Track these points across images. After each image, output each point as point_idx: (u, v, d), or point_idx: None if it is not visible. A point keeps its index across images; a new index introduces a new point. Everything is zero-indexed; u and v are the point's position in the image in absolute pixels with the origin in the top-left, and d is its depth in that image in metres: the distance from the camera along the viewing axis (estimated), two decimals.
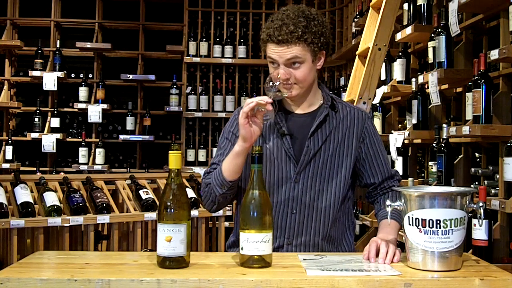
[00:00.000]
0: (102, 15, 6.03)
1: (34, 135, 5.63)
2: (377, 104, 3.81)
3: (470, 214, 1.65)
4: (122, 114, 5.93)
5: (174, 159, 1.63)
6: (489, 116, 2.57)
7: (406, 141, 3.53)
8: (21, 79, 5.87)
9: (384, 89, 3.60)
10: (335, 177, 1.94)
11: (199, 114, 5.85)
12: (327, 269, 1.57)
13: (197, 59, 5.87)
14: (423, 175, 3.61)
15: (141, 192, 3.50)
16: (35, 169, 5.58)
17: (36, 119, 5.70)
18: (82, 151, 5.72)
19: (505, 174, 2.40)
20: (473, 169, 2.91)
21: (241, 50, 5.90)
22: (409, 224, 1.60)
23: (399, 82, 3.58)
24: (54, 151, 5.65)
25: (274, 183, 1.93)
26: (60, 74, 5.64)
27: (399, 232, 1.88)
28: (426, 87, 3.26)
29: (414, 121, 3.34)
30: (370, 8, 3.48)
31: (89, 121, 5.69)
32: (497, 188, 2.62)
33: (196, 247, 3.57)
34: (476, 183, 2.97)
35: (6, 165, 5.50)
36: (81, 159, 5.71)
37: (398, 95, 3.79)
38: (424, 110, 3.32)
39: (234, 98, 5.89)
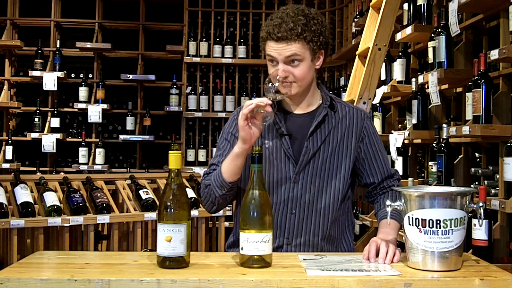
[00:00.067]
0: (102, 15, 6.03)
1: (34, 135, 5.63)
2: (377, 104, 3.81)
3: (470, 214, 1.65)
4: (122, 114, 5.94)
5: (174, 159, 1.63)
6: (489, 116, 2.57)
7: (406, 141, 3.53)
8: (21, 79, 5.87)
9: (384, 89, 3.60)
10: (334, 177, 1.94)
11: (199, 114, 5.85)
12: (327, 269, 1.57)
13: (197, 59, 5.87)
14: (423, 175, 3.61)
15: (141, 192, 3.50)
16: (35, 169, 5.58)
17: (36, 119, 5.70)
18: (82, 151, 5.72)
19: (505, 174, 2.40)
20: (473, 169, 2.91)
21: (241, 50, 5.90)
22: (409, 224, 1.60)
23: (399, 82, 3.58)
24: (54, 151, 5.65)
25: (273, 183, 1.93)
26: (60, 74, 5.65)
27: (399, 232, 1.88)
28: (426, 87, 3.26)
29: (414, 121, 3.34)
30: (370, 8, 3.48)
31: (89, 121, 5.69)
32: (497, 188, 2.62)
33: (196, 247, 3.57)
34: (476, 183, 2.97)
35: (6, 165, 5.50)
36: (81, 159, 5.71)
37: (398, 95, 3.79)
38: (424, 110, 3.32)
39: (234, 98, 5.89)
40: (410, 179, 3.37)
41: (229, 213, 3.70)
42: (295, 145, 1.94)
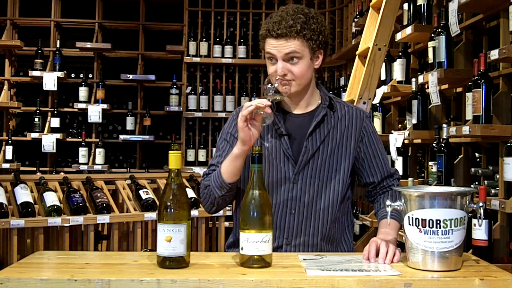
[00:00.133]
0: (102, 15, 6.03)
1: (34, 135, 5.63)
2: (377, 104, 3.81)
3: (470, 214, 1.65)
4: (122, 114, 5.94)
5: (174, 159, 1.63)
6: (489, 116, 2.57)
7: (406, 141, 3.53)
8: (21, 79, 5.87)
9: (384, 89, 3.60)
10: (334, 177, 1.94)
11: (199, 114, 5.85)
12: (327, 269, 1.57)
13: (197, 59, 5.87)
14: (423, 175, 3.61)
15: (141, 192, 3.50)
16: (35, 169, 5.58)
17: (36, 119, 5.70)
18: (82, 151, 5.72)
19: (505, 174, 2.40)
20: (473, 169, 2.91)
21: (241, 50, 5.90)
22: (409, 224, 1.60)
23: (399, 82, 3.58)
24: (54, 151, 5.65)
25: (272, 184, 1.93)
26: (60, 74, 5.64)
27: (399, 232, 1.88)
28: (426, 87, 3.26)
29: (414, 121, 3.34)
30: (370, 8, 3.48)
31: (89, 121, 5.69)
32: (497, 188, 2.62)
33: (196, 247, 3.57)
34: (476, 183, 2.97)
35: (6, 165, 5.50)
36: (81, 159, 5.71)
37: (398, 95, 3.79)
38: (424, 110, 3.32)
39: (234, 98, 5.89)
40: (410, 179, 3.37)
41: (229, 213, 3.70)
42: (295, 145, 1.94)
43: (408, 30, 3.28)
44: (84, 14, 6.02)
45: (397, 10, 3.18)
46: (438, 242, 1.56)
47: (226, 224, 4.23)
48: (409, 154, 3.62)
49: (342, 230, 2.01)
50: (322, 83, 5.76)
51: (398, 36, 3.45)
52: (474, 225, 2.45)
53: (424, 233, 1.57)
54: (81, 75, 5.83)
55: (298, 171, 1.92)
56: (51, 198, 3.19)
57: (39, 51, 5.74)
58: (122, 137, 5.75)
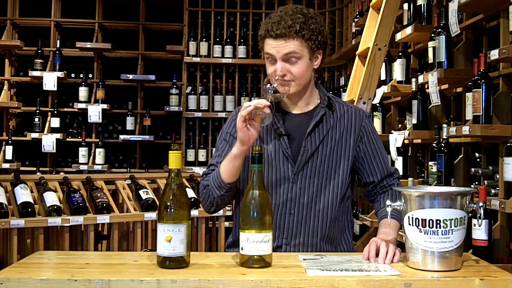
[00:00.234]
0: (102, 15, 6.03)
1: (34, 135, 5.63)
2: (377, 104, 3.81)
3: (470, 214, 1.65)
4: (122, 114, 5.93)
5: (174, 159, 1.63)
6: (489, 116, 2.57)
7: (406, 141, 3.53)
8: (21, 79, 5.87)
9: (384, 89, 3.60)
10: (333, 177, 1.94)
11: (199, 114, 5.85)
12: (327, 269, 1.57)
13: (197, 59, 5.87)
14: (423, 175, 3.61)
15: (141, 192, 3.50)
16: (35, 169, 5.58)
17: (36, 119, 5.70)
18: (82, 151, 5.72)
19: (505, 174, 2.39)
20: (473, 169, 2.91)
21: (241, 50, 5.90)
22: (409, 224, 1.60)
23: (399, 82, 3.58)
24: (54, 151, 5.65)
25: (272, 184, 1.93)
26: (60, 74, 5.64)
27: (399, 232, 1.88)
28: (426, 87, 3.26)
29: (414, 121, 3.34)
30: (370, 8, 3.48)
31: (89, 121, 5.69)
32: (497, 188, 2.62)
33: (196, 247, 3.57)
34: (476, 183, 2.97)
35: (6, 165, 5.50)
36: (81, 159, 5.71)
37: (398, 95, 3.79)
38: (424, 110, 3.32)
39: (234, 98, 5.90)
40: (410, 179, 3.37)
41: (229, 213, 3.70)
42: (294, 145, 1.94)
43: (408, 30, 3.28)
44: (84, 14, 6.02)
45: (397, 10, 3.18)
46: (438, 242, 1.56)
47: (226, 224, 4.23)
48: (409, 154, 3.62)
49: (341, 230, 2.01)
50: (322, 83, 5.76)
51: (398, 36, 3.45)
52: (474, 225, 2.45)
53: (424, 233, 1.57)
54: (81, 75, 5.83)
55: (297, 171, 1.92)
56: (51, 198, 3.19)
57: (39, 51, 5.74)
58: (122, 137, 5.75)
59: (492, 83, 2.59)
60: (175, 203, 1.59)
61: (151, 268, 1.58)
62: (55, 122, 5.74)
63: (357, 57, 3.47)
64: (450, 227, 1.55)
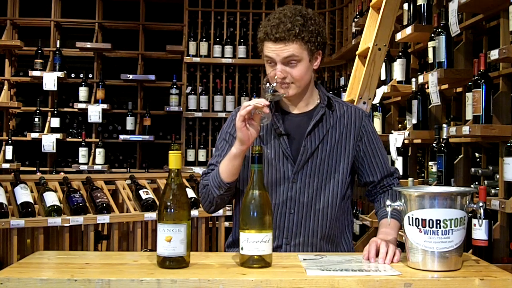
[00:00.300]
0: (102, 15, 6.03)
1: (34, 135, 5.63)
2: (377, 104, 3.81)
3: (470, 214, 1.65)
4: (122, 114, 5.93)
5: (174, 159, 1.63)
6: (489, 116, 2.57)
7: (406, 141, 3.53)
8: (21, 79, 5.87)
9: (384, 89, 3.60)
10: (333, 177, 1.94)
11: (199, 114, 5.85)
12: (327, 269, 1.57)
13: (197, 59, 5.87)
14: (423, 175, 3.61)
15: (141, 192, 3.50)
16: (35, 169, 5.58)
17: (36, 119, 5.70)
18: (82, 151, 5.72)
19: (505, 174, 2.39)
20: (473, 169, 2.91)
21: (241, 50, 5.90)
22: (409, 224, 1.60)
23: (399, 82, 3.58)
24: (54, 151, 5.65)
25: (271, 183, 1.93)
26: (60, 74, 5.64)
27: (399, 232, 1.88)
28: (426, 87, 3.26)
29: (414, 121, 3.34)
30: (370, 8, 3.48)
31: (89, 121, 5.69)
32: (497, 188, 2.62)
33: (196, 247, 3.57)
34: (476, 183, 2.97)
35: (6, 165, 5.50)
36: (81, 159, 5.71)
37: (398, 95, 3.79)
38: (424, 110, 3.32)
39: (234, 98, 5.90)
40: (410, 179, 3.37)
41: (229, 213, 3.70)
42: (293, 145, 1.94)
43: (408, 30, 3.28)
44: (84, 14, 6.02)
45: (397, 10, 3.18)
46: (438, 242, 1.56)
47: (226, 224, 4.23)
48: (409, 154, 3.62)
49: (342, 229, 2.01)
50: (322, 83, 5.76)
51: (398, 36, 3.45)
52: (474, 225, 2.45)
53: (424, 233, 1.57)
54: (81, 75, 5.83)
55: (297, 170, 1.92)
56: (51, 198, 3.19)
57: (39, 51, 5.74)
58: (122, 137, 5.75)
59: (492, 83, 2.59)
60: (175, 203, 1.59)
61: (151, 268, 1.58)
62: (55, 122, 5.74)
63: (357, 57, 3.47)
64: (450, 227, 1.55)
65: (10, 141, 5.60)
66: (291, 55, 1.86)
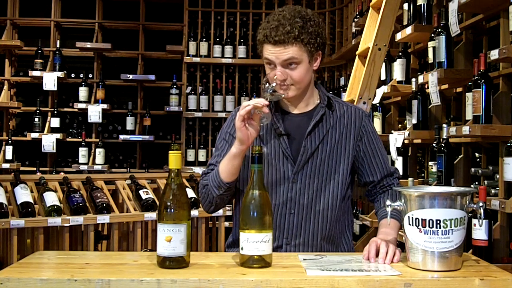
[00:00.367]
0: (102, 15, 6.03)
1: (34, 135, 5.63)
2: (377, 104, 3.81)
3: (470, 214, 1.65)
4: (122, 114, 5.94)
5: (174, 159, 1.63)
6: (489, 116, 2.57)
7: (406, 141, 3.53)
8: (21, 79, 5.87)
9: (384, 89, 3.60)
10: (333, 177, 1.94)
11: (199, 114, 5.85)
12: (327, 269, 1.57)
13: (197, 59, 5.87)
14: (423, 175, 3.61)
15: (141, 192, 3.50)
16: (35, 169, 5.58)
17: (36, 119, 5.70)
18: (82, 151, 5.72)
19: (505, 174, 2.39)
20: (473, 169, 2.91)
21: (241, 50, 5.90)
22: (409, 224, 1.60)
23: (399, 82, 3.58)
24: (54, 151, 5.65)
25: (272, 184, 1.93)
26: (60, 74, 5.64)
27: (399, 232, 1.88)
28: (426, 87, 3.26)
29: (414, 121, 3.34)
30: (370, 8, 3.48)
31: (89, 121, 5.69)
32: (497, 188, 2.62)
33: (196, 247, 3.57)
34: (476, 183, 2.97)
35: (6, 165, 5.50)
36: (81, 159, 5.71)
37: (398, 95, 3.79)
38: (424, 110, 3.32)
39: (234, 98, 5.90)
40: (410, 179, 3.37)
41: (229, 213, 3.70)
42: (293, 145, 1.94)
43: (408, 30, 3.28)
44: (84, 14, 6.02)
45: (397, 10, 3.18)
46: (438, 242, 1.56)
47: (226, 224, 4.23)
48: (409, 154, 3.62)
49: (342, 229, 2.01)
50: (322, 83, 5.76)
51: (398, 36, 3.45)
52: (474, 225, 2.45)
53: (424, 233, 1.57)
54: (81, 75, 5.83)
55: (297, 170, 1.92)
56: (51, 198, 3.19)
57: (39, 51, 5.74)
58: (122, 137, 5.75)
59: (492, 83, 2.59)
60: (175, 203, 1.59)
61: (151, 268, 1.58)
62: (55, 122, 5.74)
63: (357, 57, 3.47)
64: (450, 227, 1.55)
65: (10, 141, 5.60)
66: (290, 57, 1.86)
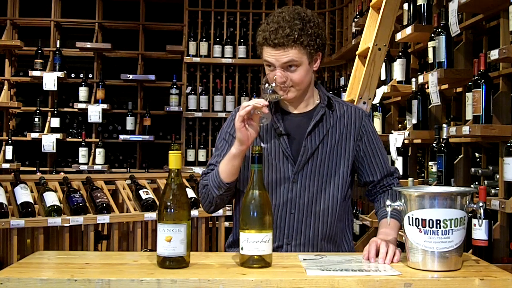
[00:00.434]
0: (102, 15, 6.03)
1: (34, 135, 5.63)
2: (377, 104, 3.81)
3: (470, 214, 1.65)
4: (122, 114, 5.94)
5: (174, 159, 1.63)
6: (489, 116, 2.57)
7: (406, 141, 3.53)
8: (21, 79, 5.87)
9: (384, 89, 3.60)
10: (333, 177, 1.94)
11: (199, 114, 5.85)
12: (327, 269, 1.57)
13: (197, 59, 5.87)
14: (423, 175, 3.61)
15: (141, 192, 3.50)
16: (35, 169, 5.58)
17: (36, 119, 5.70)
18: (82, 151, 5.72)
19: (505, 174, 2.39)
20: (473, 169, 2.91)
21: (241, 50, 5.90)
22: (409, 224, 1.60)
23: (399, 82, 3.58)
24: (54, 151, 5.65)
25: (272, 184, 1.93)
26: (60, 74, 5.64)
27: (399, 232, 1.88)
28: (426, 87, 3.26)
29: (414, 121, 3.34)
30: (370, 8, 3.48)
31: (89, 121, 5.69)
32: (497, 188, 2.62)
33: (196, 247, 3.57)
34: (476, 183, 2.97)
35: (6, 165, 5.50)
36: (81, 159, 5.71)
37: (398, 95, 3.79)
38: (424, 110, 3.32)
39: (234, 98, 5.90)
40: (410, 179, 3.37)
41: (229, 213, 3.70)
42: (294, 145, 1.94)
43: (408, 30, 3.28)
44: (84, 14, 6.02)
45: (397, 10, 3.18)
46: (438, 242, 1.56)
47: (226, 224, 4.23)
48: (409, 154, 3.62)
49: (343, 229, 2.01)
50: (322, 83, 5.76)
51: (398, 36, 3.45)
52: (474, 225, 2.45)
53: (424, 233, 1.57)
54: (81, 75, 5.83)
55: (297, 170, 1.92)
56: (51, 198, 3.19)
57: (39, 51, 5.74)
58: (122, 137, 5.75)
59: (492, 83, 2.59)
60: (175, 203, 1.59)
61: (151, 268, 1.58)
62: (55, 122, 5.74)
63: (357, 57, 3.47)
64: (450, 227, 1.55)
65: (10, 141, 5.60)
66: (290, 60, 1.85)
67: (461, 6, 2.75)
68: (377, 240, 1.74)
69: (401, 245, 1.78)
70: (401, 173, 3.36)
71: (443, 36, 2.91)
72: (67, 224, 3.15)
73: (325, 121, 1.96)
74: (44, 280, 1.46)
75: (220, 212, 3.60)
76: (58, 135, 5.64)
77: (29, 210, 3.11)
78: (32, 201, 3.19)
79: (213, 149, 2.11)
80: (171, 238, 1.56)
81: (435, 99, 2.99)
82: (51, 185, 3.41)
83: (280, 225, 1.93)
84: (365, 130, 1.99)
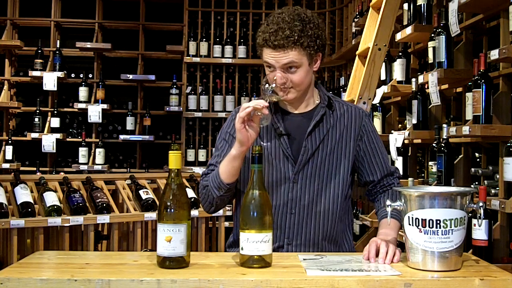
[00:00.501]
0: (102, 15, 6.03)
1: (34, 135, 5.63)
2: (377, 104, 3.81)
3: (470, 214, 1.65)
4: (122, 114, 5.94)
5: (174, 159, 1.63)
6: (489, 116, 2.57)
7: (406, 141, 3.53)
8: (21, 79, 5.87)
9: (384, 89, 3.60)
10: (334, 177, 1.94)
11: (199, 114, 5.85)
12: (327, 269, 1.57)
13: (197, 59, 5.87)
14: (423, 175, 3.61)
15: (141, 192, 3.50)
16: (35, 169, 5.58)
17: (36, 119, 5.70)
18: (82, 151, 5.72)
19: (505, 174, 2.39)
20: (473, 169, 2.91)
21: (241, 50, 5.90)
22: (409, 224, 1.60)
23: (399, 82, 3.58)
24: (54, 151, 5.65)
25: (272, 184, 1.93)
26: (60, 74, 5.64)
27: (399, 232, 1.88)
28: (426, 87, 3.26)
29: (414, 121, 3.34)
30: (370, 8, 3.48)
31: (89, 121, 5.69)
32: (497, 188, 2.62)
33: (196, 247, 3.57)
34: (476, 183, 2.97)
35: (6, 165, 5.50)
36: (81, 159, 5.71)
37: (398, 95, 3.79)
38: (424, 110, 3.32)
39: (234, 98, 5.90)
40: (410, 179, 3.37)
41: (229, 213, 3.70)
42: (294, 145, 1.94)
43: (408, 30, 3.28)
44: (84, 14, 6.02)
45: (397, 10, 3.18)
46: (438, 242, 1.56)
47: (226, 224, 4.23)
48: (409, 154, 3.62)
49: (343, 228, 2.01)
50: (322, 83, 5.76)
51: (398, 36, 3.45)
52: (474, 225, 2.45)
53: (424, 233, 1.57)
54: (81, 75, 5.83)
55: (297, 170, 1.92)
56: (51, 198, 3.19)
57: (39, 51, 5.73)
58: (122, 137, 5.75)
59: (492, 83, 2.59)
60: (175, 203, 1.59)
61: (151, 268, 1.58)
62: (55, 122, 5.74)
63: (357, 57, 3.47)
64: (450, 227, 1.55)
65: (10, 141, 5.60)
66: (290, 61, 1.85)
67: (461, 6, 2.75)
68: (377, 240, 1.74)
69: (401, 245, 1.78)
70: (401, 173, 3.35)
71: (443, 36, 2.91)
72: (67, 224, 3.15)
73: (325, 121, 1.96)
74: (44, 280, 1.46)
75: (220, 212, 3.60)
76: (58, 135, 5.64)
77: (29, 210, 3.11)
78: (32, 201, 3.19)
79: (213, 149, 2.11)
80: (171, 238, 1.56)
81: (435, 99, 2.99)
82: (51, 185, 3.41)
83: (281, 225, 1.93)
84: (365, 129, 1.99)
